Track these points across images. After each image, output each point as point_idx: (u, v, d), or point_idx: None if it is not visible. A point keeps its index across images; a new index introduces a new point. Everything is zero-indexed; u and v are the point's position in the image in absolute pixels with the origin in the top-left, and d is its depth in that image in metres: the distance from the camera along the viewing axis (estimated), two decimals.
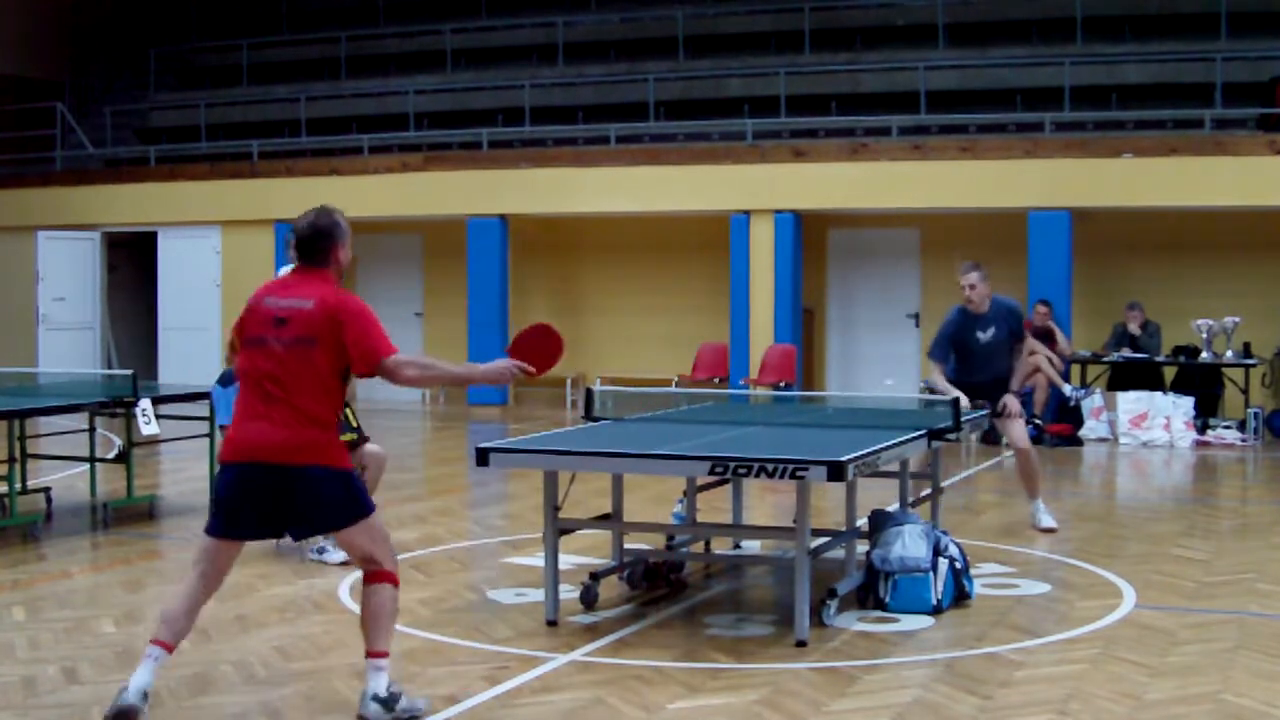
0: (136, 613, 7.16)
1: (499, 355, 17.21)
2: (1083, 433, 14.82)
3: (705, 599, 7.48)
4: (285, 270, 5.88)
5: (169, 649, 5.23)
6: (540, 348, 5.82)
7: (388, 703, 5.26)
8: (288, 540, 8.55)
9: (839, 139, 17.80)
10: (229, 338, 5.66)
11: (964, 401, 9.10)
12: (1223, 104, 16.63)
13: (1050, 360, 15.22)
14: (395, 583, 5.36)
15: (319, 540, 8.25)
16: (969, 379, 9.45)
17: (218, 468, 5.58)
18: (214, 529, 5.32)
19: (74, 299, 20.40)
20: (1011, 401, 9.46)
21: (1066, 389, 15.06)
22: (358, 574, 7.90)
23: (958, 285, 9.56)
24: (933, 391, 9.60)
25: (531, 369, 5.70)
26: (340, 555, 8.21)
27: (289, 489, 5.20)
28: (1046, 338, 15.45)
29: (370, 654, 5.31)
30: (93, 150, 21.84)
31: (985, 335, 9.50)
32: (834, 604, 6.77)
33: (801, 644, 6.32)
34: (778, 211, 17.23)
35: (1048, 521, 9.52)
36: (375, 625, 5.32)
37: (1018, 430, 9.54)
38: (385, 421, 16.47)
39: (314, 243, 5.42)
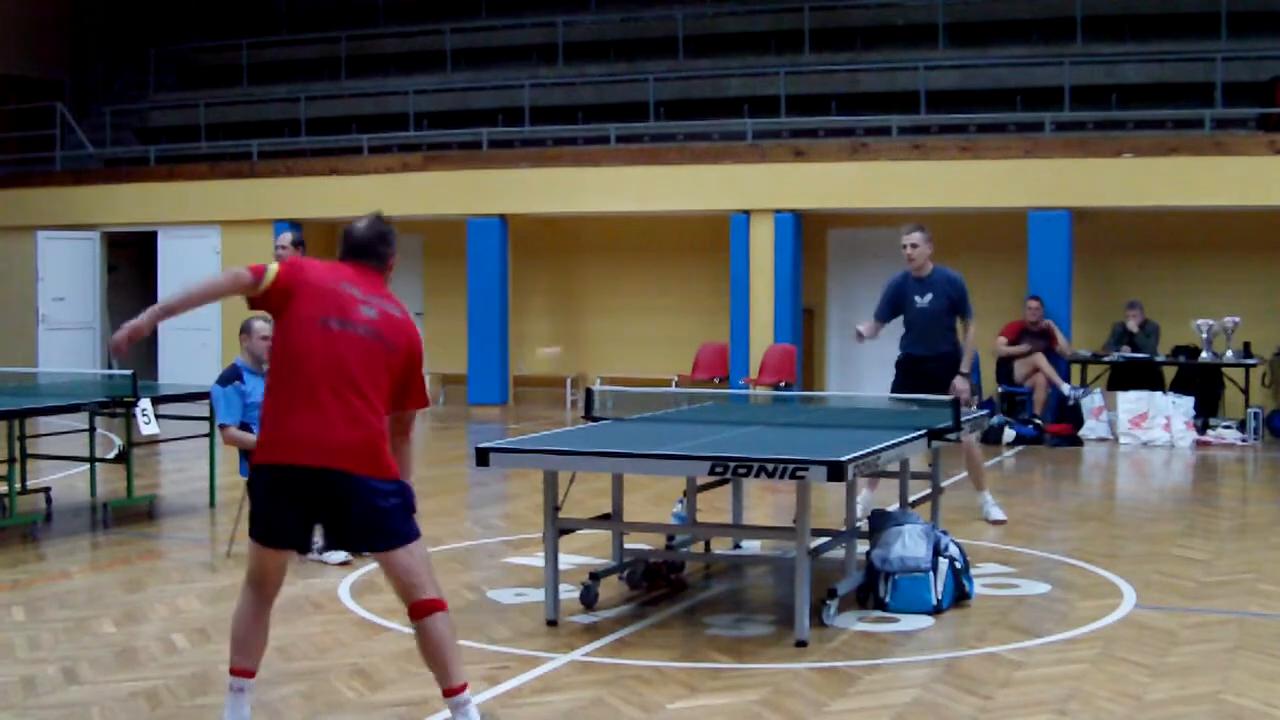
0: (136, 613, 7.16)
1: (498, 356, 17.24)
2: (1083, 432, 14.81)
3: (705, 599, 7.48)
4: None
5: (249, 674, 5.02)
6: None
7: None
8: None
9: (839, 139, 17.79)
10: (267, 275, 4.90)
11: (864, 330, 9.52)
12: (1223, 104, 16.62)
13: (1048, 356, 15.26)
14: (444, 608, 4.90)
15: (318, 540, 8.23)
16: (910, 349, 9.66)
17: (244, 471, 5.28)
18: (255, 535, 4.96)
19: (74, 299, 20.40)
20: (960, 384, 9.46)
21: (1065, 388, 15.07)
22: (357, 574, 7.92)
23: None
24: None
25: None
26: (340, 555, 8.20)
27: (345, 498, 4.80)
28: (1045, 338, 15.46)
29: (447, 692, 4.91)
30: (92, 150, 21.83)
31: (923, 300, 9.64)
32: (834, 604, 6.77)
33: (801, 644, 6.32)
34: (778, 211, 17.22)
35: (997, 514, 9.72)
36: (441, 660, 4.87)
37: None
38: None
39: (376, 245, 5.11)
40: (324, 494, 4.81)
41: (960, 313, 9.69)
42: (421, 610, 4.87)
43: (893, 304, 9.76)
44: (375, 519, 4.84)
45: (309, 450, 4.78)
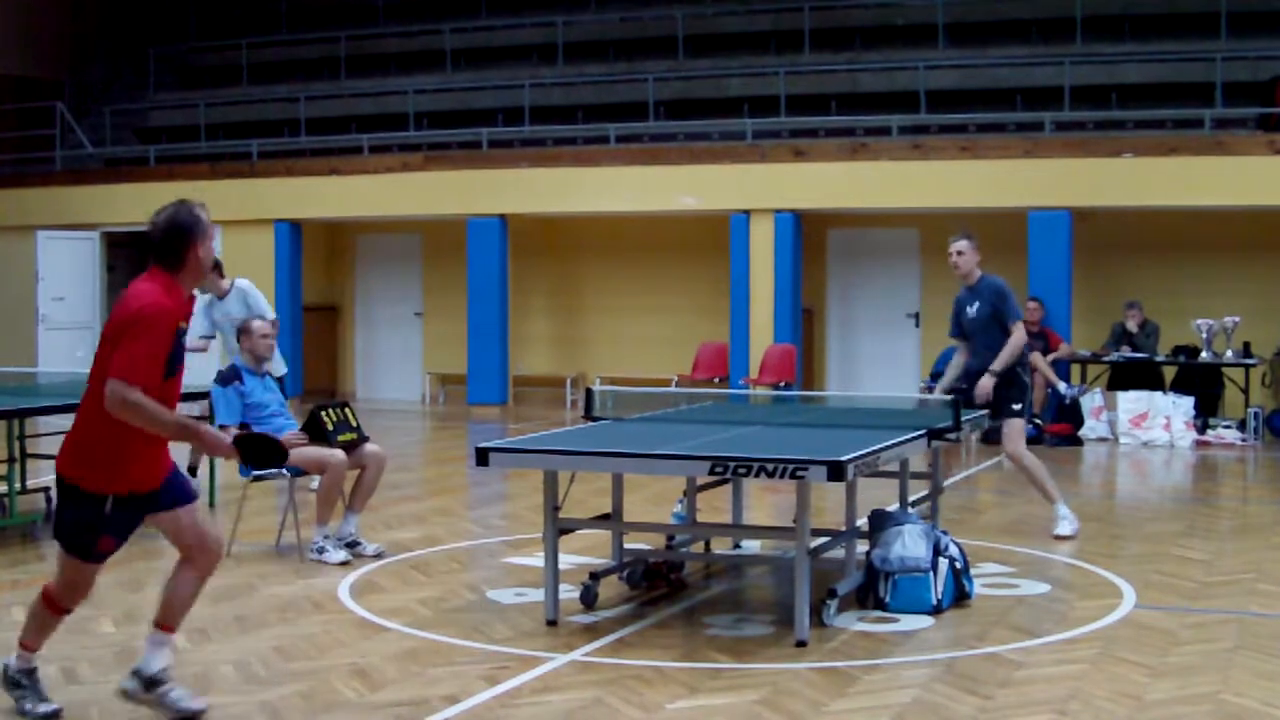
0: (136, 613, 7.15)
1: (498, 356, 17.19)
2: (1083, 432, 14.82)
3: (705, 599, 7.47)
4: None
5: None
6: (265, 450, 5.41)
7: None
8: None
9: (839, 139, 17.79)
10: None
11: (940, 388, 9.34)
12: (1223, 104, 16.62)
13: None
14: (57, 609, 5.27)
15: (318, 540, 8.25)
16: (970, 364, 9.36)
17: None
18: None
19: (73, 299, 20.40)
20: (983, 383, 9.10)
21: (1061, 386, 15.07)
22: (357, 574, 7.92)
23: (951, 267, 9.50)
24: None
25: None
26: (340, 555, 8.20)
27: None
28: (1043, 338, 15.46)
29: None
30: (92, 150, 21.84)
31: (973, 310, 9.37)
32: (834, 604, 6.77)
33: (801, 644, 6.32)
34: (778, 211, 17.22)
35: (1064, 529, 9.12)
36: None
37: (1005, 433, 9.23)
38: (385, 421, 16.47)
39: (167, 243, 4.95)
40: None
41: (1003, 320, 9.28)
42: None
43: (958, 320, 9.49)
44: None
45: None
